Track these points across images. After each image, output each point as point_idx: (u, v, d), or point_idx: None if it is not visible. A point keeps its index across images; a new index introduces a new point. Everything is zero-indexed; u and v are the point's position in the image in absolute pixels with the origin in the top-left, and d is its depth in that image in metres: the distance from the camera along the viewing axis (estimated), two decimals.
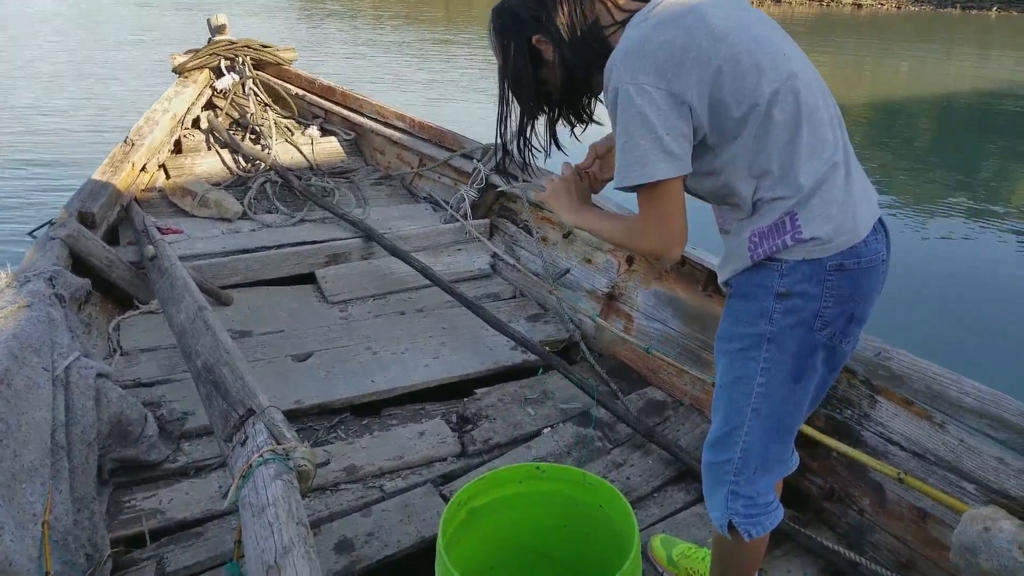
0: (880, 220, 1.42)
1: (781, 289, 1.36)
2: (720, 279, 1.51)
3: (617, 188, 1.36)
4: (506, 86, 1.50)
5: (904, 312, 4.02)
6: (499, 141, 1.57)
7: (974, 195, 7.40)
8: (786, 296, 1.36)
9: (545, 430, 2.49)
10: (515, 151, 1.56)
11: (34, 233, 2.96)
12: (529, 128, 1.54)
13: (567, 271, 2.11)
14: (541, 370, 2.78)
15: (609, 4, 1.41)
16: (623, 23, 1.39)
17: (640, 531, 1.59)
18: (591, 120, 1.58)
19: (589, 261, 3.20)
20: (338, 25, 18.98)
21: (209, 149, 4.49)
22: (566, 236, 1.83)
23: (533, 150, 1.57)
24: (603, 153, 1.62)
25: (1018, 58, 18.19)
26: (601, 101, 1.49)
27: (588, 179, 1.65)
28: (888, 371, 1.99)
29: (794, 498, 2.14)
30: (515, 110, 1.53)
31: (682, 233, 1.35)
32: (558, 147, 1.60)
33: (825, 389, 1.52)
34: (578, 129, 1.59)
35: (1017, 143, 9.73)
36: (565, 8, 1.40)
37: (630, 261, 3.04)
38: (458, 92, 11.50)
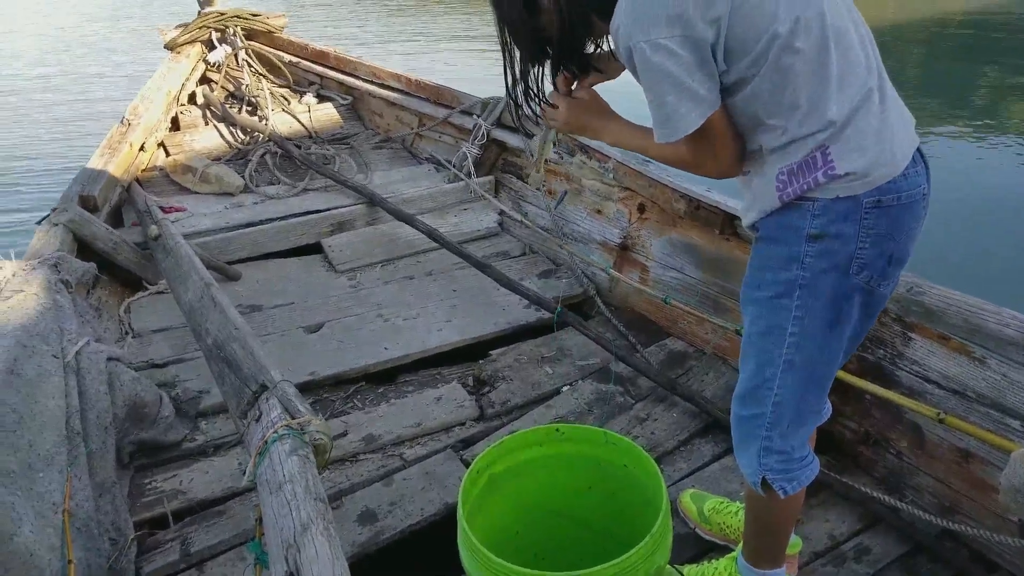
0: (918, 149, 1.32)
1: (813, 231, 1.27)
2: (745, 222, 1.42)
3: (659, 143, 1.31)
4: (504, 34, 1.42)
5: (928, 244, 3.94)
6: (508, 91, 1.50)
7: (968, 120, 7.20)
8: (819, 238, 1.27)
9: (564, 388, 2.44)
10: (524, 103, 1.49)
11: (40, 222, 2.93)
12: (534, 79, 1.46)
13: (565, 194, 2.04)
14: (555, 326, 2.72)
15: None
16: None
17: (668, 487, 1.54)
18: (596, 70, 1.48)
19: (599, 212, 3.12)
20: None
21: (207, 124, 4.41)
22: (538, 171, 1.77)
23: (541, 101, 1.50)
24: (566, 92, 1.52)
25: None
26: (603, 48, 1.42)
27: None
28: (921, 306, 1.91)
29: (828, 444, 2.08)
30: (518, 59, 1.45)
31: (737, 156, 1.32)
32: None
33: (861, 336, 1.43)
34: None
35: (1007, 65, 9.45)
36: None
37: (641, 209, 2.95)
38: (450, 48, 11.26)
